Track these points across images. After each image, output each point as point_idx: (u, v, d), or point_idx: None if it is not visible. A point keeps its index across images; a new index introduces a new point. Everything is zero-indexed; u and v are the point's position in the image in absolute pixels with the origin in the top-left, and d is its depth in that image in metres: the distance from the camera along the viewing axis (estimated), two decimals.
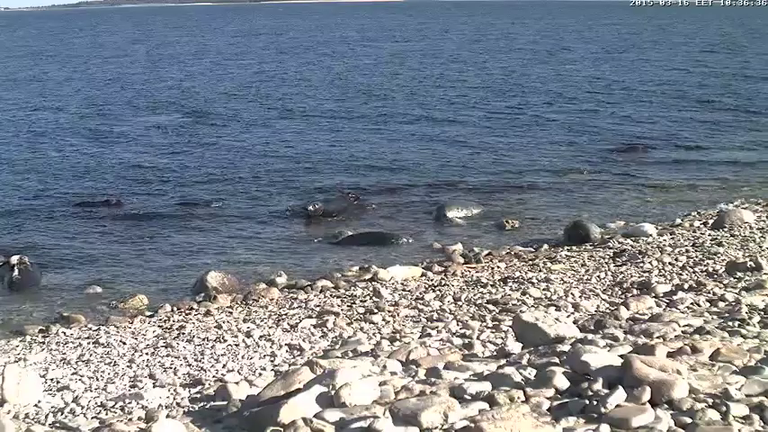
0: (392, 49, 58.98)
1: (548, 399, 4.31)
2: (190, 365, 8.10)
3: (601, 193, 17.25)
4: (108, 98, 33.23)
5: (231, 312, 10.33)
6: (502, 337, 7.94)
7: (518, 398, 4.31)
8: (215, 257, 13.27)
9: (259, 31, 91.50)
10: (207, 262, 12.94)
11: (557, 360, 5.08)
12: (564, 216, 15.07)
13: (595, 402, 4.11)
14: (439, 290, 10.57)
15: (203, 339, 9.00)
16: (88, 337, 9.45)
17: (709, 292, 8.64)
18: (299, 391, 4.80)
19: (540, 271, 11.23)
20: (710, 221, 13.72)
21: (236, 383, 6.68)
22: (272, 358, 8.18)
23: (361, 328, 9.02)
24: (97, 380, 7.83)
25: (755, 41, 61.80)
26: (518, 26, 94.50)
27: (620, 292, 9.72)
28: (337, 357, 7.06)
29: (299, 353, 8.29)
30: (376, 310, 9.69)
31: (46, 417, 6.80)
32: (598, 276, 10.69)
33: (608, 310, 8.70)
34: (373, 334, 8.74)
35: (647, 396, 4.12)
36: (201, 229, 14.96)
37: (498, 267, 11.83)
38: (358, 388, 4.53)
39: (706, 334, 5.87)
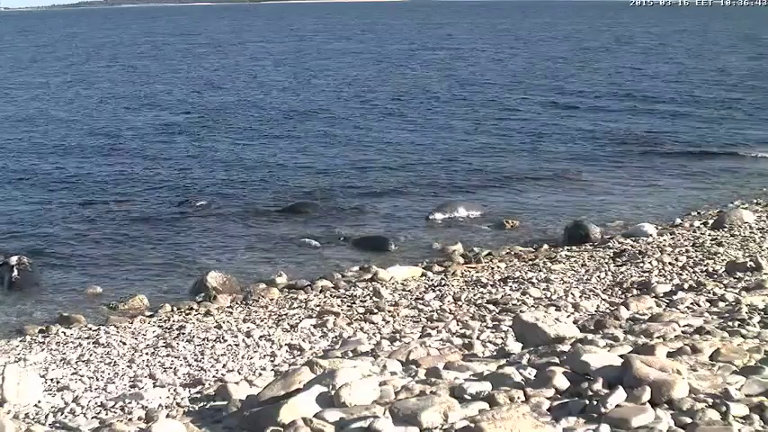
0: (391, 51, 58.93)
1: (548, 399, 4.30)
2: (190, 365, 8.10)
3: (601, 193, 17.26)
4: (106, 98, 33.19)
5: (231, 312, 10.33)
6: (502, 337, 7.93)
7: (518, 398, 4.30)
8: (215, 257, 13.26)
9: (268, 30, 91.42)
10: (207, 262, 12.94)
11: (557, 360, 5.07)
12: (564, 216, 15.07)
13: (595, 402, 4.10)
14: (439, 290, 10.56)
15: (203, 339, 8.99)
16: (88, 337, 9.44)
17: (709, 292, 8.64)
18: (299, 391, 4.80)
19: (540, 271, 11.22)
20: (710, 221, 13.72)
21: (236, 383, 6.69)
22: (272, 358, 8.17)
23: (361, 328, 9.01)
24: (97, 380, 7.83)
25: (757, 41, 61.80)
26: (514, 26, 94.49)
27: (620, 292, 9.71)
28: (337, 357, 7.04)
29: (299, 353, 8.29)
30: (376, 310, 9.68)
31: (46, 417, 6.80)
32: (598, 276, 10.69)
33: (608, 310, 8.69)
34: (373, 334, 8.74)
35: (647, 396, 4.11)
36: (201, 229, 14.94)
37: (498, 267, 11.82)
38: (358, 388, 4.52)
39: (706, 334, 5.87)
